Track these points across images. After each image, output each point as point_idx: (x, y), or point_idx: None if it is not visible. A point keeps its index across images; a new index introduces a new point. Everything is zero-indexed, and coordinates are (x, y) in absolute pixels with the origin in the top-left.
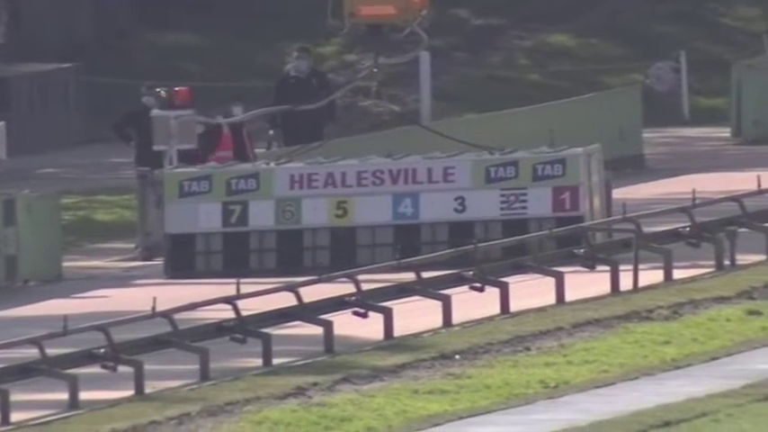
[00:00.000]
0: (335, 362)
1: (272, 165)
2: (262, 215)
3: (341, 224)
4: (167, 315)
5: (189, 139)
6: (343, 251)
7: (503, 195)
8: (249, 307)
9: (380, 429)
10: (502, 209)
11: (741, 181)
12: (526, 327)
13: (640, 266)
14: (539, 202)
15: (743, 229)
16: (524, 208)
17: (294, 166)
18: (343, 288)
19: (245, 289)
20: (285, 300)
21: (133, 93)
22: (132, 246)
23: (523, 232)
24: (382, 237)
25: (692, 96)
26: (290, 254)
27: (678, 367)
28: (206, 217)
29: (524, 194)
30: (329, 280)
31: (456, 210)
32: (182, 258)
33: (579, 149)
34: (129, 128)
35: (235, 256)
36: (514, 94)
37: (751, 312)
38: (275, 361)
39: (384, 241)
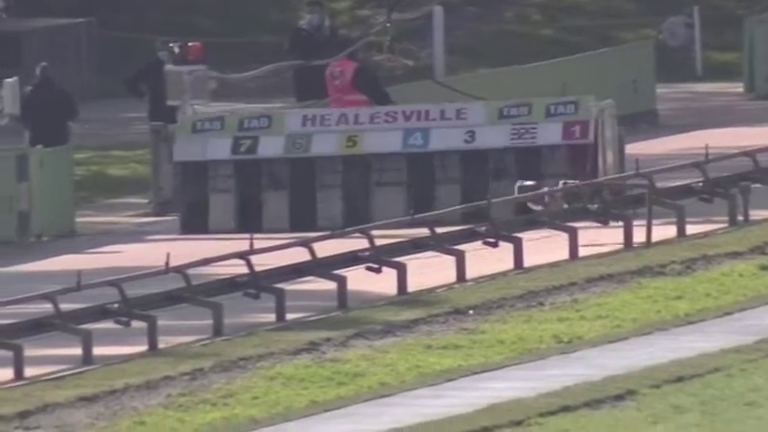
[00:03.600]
0: (349, 317)
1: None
2: (272, 147)
3: (351, 152)
4: (181, 270)
5: (202, 94)
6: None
7: (513, 128)
8: (262, 262)
9: (394, 385)
10: (512, 139)
11: (754, 136)
12: (539, 282)
13: (653, 222)
14: (549, 133)
15: (756, 185)
16: (534, 138)
17: (307, 109)
18: (356, 243)
19: (258, 244)
20: (298, 255)
21: (146, 48)
22: (145, 201)
23: (534, 160)
24: (392, 165)
25: (705, 51)
26: (301, 178)
27: (691, 322)
28: (215, 148)
29: (535, 128)
30: (342, 235)
31: (466, 141)
32: (193, 189)
33: (591, 97)
34: (143, 83)
35: (245, 185)
36: (527, 49)
37: (764, 268)
38: (288, 316)
39: (395, 167)
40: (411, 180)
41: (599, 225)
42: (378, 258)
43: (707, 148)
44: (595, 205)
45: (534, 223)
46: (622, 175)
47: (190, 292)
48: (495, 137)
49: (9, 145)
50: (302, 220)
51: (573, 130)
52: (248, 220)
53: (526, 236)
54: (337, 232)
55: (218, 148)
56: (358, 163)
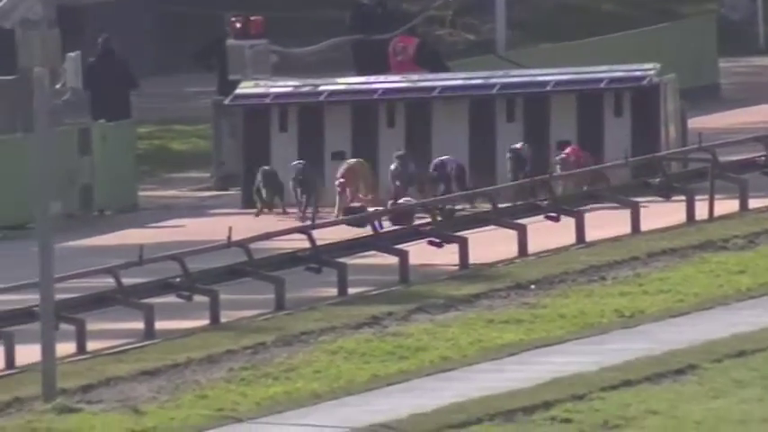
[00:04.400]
0: (410, 291)
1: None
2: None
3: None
4: (243, 245)
5: (263, 68)
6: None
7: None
8: (324, 237)
9: (455, 359)
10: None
11: None
12: (601, 256)
13: (716, 196)
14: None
15: None
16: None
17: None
18: (418, 218)
19: (320, 218)
20: (360, 229)
21: (207, 21)
22: (207, 175)
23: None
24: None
25: None
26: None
27: (753, 297)
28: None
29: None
30: (406, 210)
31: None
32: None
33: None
34: (213, 57)
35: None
36: (588, 24)
37: None
38: (350, 290)
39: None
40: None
41: (661, 199)
42: (440, 233)
43: None
44: (657, 179)
45: (596, 197)
46: (685, 149)
47: (252, 266)
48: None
49: (73, 119)
50: None
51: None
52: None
53: (588, 209)
54: (399, 207)
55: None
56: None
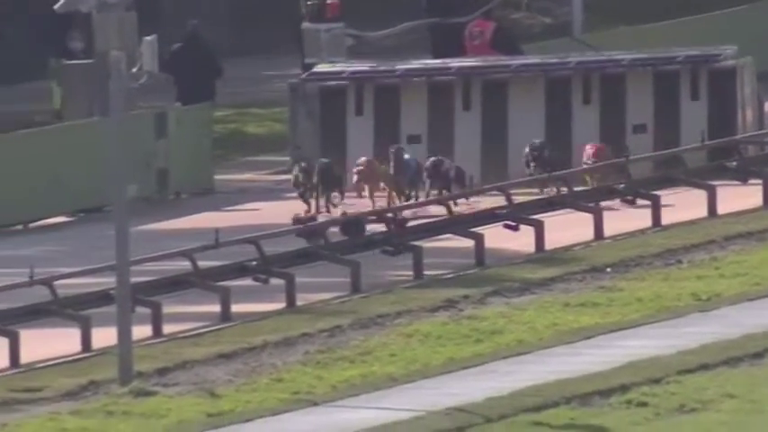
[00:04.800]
0: (486, 275)
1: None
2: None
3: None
4: (318, 228)
5: (338, 51)
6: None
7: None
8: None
9: (531, 342)
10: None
11: None
12: (677, 240)
13: None
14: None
15: None
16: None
17: None
18: (493, 201)
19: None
20: (436, 213)
21: (279, 6)
22: (283, 159)
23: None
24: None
25: None
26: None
27: None
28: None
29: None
30: (480, 193)
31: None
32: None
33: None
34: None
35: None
36: (665, 7)
37: None
38: (426, 273)
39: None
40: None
41: (738, 183)
42: (515, 216)
43: None
44: (733, 163)
45: (672, 180)
46: (762, 132)
47: (327, 249)
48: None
49: (149, 102)
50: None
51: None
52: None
53: (664, 193)
54: (475, 190)
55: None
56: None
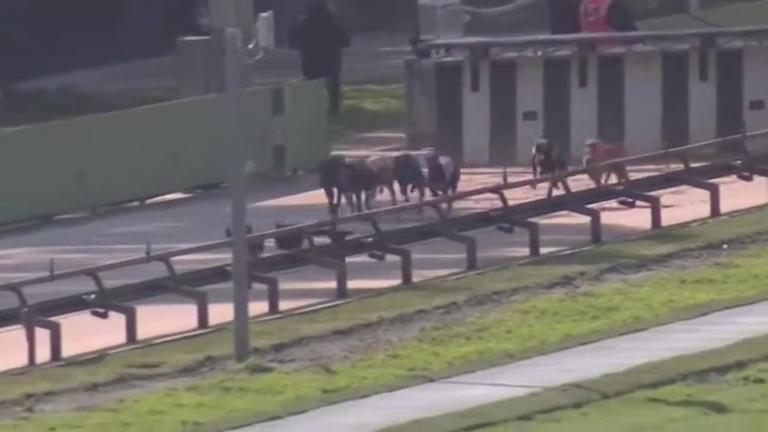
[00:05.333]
0: (602, 251)
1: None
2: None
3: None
4: (434, 205)
5: (455, 28)
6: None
7: None
8: (515, 197)
9: (647, 319)
10: None
11: None
12: None
13: None
14: None
15: None
16: None
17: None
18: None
19: (511, 179)
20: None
21: None
22: (399, 135)
23: None
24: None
25: None
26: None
27: None
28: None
29: None
30: (597, 170)
31: None
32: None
33: None
34: None
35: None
36: None
37: None
38: (542, 250)
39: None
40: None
41: None
42: (631, 192)
43: None
44: None
45: None
46: None
47: (444, 226)
48: None
49: (266, 79)
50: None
51: None
52: (502, 154)
53: None
54: (589, 167)
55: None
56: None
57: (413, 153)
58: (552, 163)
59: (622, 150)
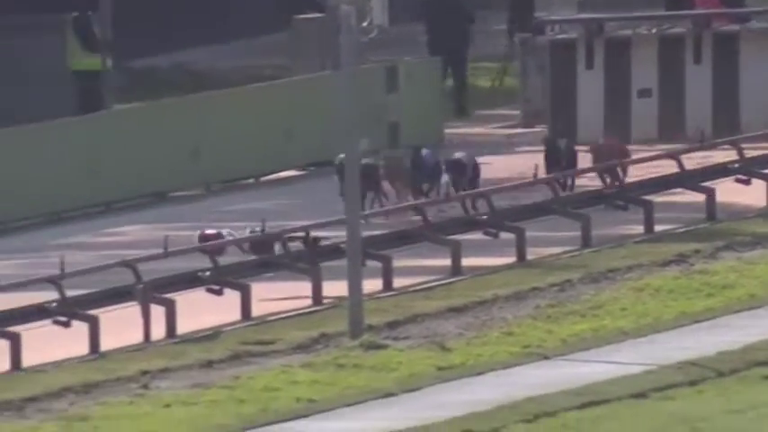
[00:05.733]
0: (717, 229)
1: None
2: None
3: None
4: (549, 182)
5: (569, 4)
6: None
7: None
8: (631, 174)
9: (763, 296)
10: None
11: None
12: None
13: None
14: None
15: None
16: None
17: None
18: (725, 155)
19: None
20: (667, 167)
21: None
22: (514, 112)
23: None
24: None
25: None
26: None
27: None
28: None
29: None
30: (711, 147)
31: None
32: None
33: None
34: None
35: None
36: None
37: None
38: (657, 228)
39: None
40: None
41: None
42: (747, 170)
43: None
44: None
45: None
46: None
47: (558, 203)
48: None
49: (380, 56)
50: (670, 128)
51: None
52: (616, 132)
53: None
54: (706, 144)
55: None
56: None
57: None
58: (559, 159)
59: (623, 151)
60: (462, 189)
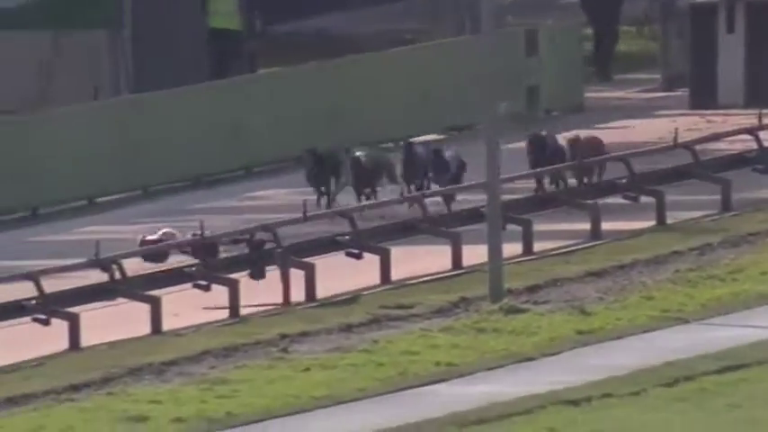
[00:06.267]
0: None
1: None
2: None
3: None
4: (689, 146)
5: None
6: None
7: None
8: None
9: None
10: None
11: None
12: None
13: None
14: None
15: None
16: None
17: None
18: None
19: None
20: None
21: None
22: (655, 77)
23: None
24: None
25: None
26: None
27: None
28: None
29: None
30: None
31: None
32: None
33: None
34: None
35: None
36: None
37: None
38: None
39: None
40: None
41: None
42: None
43: None
44: None
45: None
46: None
47: (698, 167)
48: None
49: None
50: None
51: None
52: (757, 96)
53: None
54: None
55: None
56: None
57: (416, 145)
58: (545, 158)
59: (598, 146)
60: (441, 186)
